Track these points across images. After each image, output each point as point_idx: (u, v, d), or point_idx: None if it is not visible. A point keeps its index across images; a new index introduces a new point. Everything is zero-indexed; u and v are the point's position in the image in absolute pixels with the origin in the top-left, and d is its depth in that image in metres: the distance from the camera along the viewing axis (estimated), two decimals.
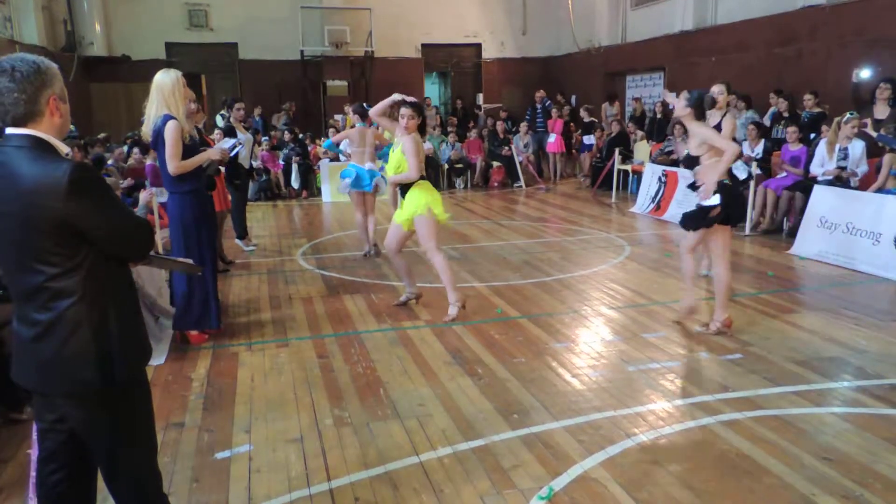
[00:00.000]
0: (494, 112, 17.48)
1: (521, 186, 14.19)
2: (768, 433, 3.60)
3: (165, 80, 4.70)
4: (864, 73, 8.90)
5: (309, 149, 13.91)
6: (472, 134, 15.01)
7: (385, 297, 6.25)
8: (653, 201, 10.63)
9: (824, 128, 8.62)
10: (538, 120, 15.71)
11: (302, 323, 5.65)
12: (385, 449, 3.53)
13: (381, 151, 8.63)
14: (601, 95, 16.39)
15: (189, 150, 4.84)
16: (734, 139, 5.95)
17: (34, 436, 2.55)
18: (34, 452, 2.55)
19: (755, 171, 8.82)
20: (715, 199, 4.97)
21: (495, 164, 14.52)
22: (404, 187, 5.60)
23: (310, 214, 11.71)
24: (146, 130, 4.80)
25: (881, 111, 8.25)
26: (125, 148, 11.38)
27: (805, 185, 8.30)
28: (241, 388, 4.35)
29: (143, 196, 6.18)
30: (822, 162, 8.22)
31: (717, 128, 6.00)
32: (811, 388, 4.17)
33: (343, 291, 6.55)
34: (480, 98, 19.72)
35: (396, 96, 5.74)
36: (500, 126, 15.13)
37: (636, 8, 16.54)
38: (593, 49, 17.50)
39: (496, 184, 14.36)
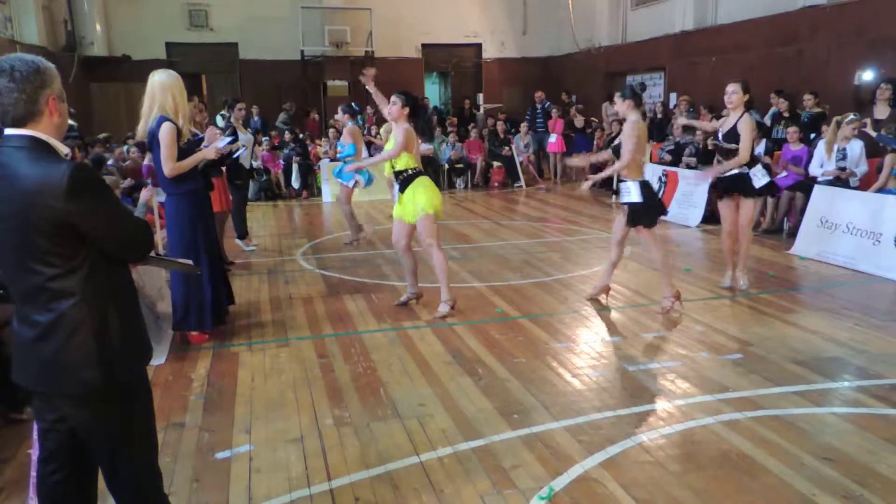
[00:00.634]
0: (494, 112, 17.47)
1: (521, 186, 14.19)
2: (768, 433, 3.60)
3: (164, 81, 4.69)
4: (867, 76, 8.87)
5: (309, 149, 13.91)
6: (473, 134, 15.01)
7: (385, 297, 6.25)
8: None
9: (824, 128, 8.62)
10: (538, 120, 15.71)
11: (302, 323, 5.65)
12: (385, 449, 3.53)
13: (345, 152, 8.81)
14: (601, 95, 16.39)
15: (186, 151, 4.83)
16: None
17: (34, 436, 2.56)
18: (34, 452, 2.56)
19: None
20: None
21: (496, 164, 14.51)
22: (404, 182, 5.57)
23: (310, 214, 11.71)
24: (142, 129, 4.78)
25: (881, 111, 8.25)
26: (125, 148, 11.40)
27: (806, 185, 8.30)
28: (242, 388, 4.35)
29: (143, 195, 6.17)
30: (821, 162, 8.22)
31: (734, 130, 5.95)
32: (811, 388, 4.17)
33: (343, 291, 6.55)
34: (481, 98, 19.72)
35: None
36: (500, 126, 15.13)
37: (636, 8, 16.54)
38: (593, 49, 17.49)
39: (496, 184, 14.35)
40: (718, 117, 10.98)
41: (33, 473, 2.59)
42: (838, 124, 8.03)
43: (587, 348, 4.97)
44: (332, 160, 12.75)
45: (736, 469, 3.27)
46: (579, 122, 15.26)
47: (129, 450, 2.27)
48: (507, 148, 14.57)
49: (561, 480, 3.19)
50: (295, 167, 13.33)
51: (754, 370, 4.45)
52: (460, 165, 14.34)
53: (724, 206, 6.35)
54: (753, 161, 6.14)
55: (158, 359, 4.78)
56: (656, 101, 14.96)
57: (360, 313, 5.86)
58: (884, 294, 6.22)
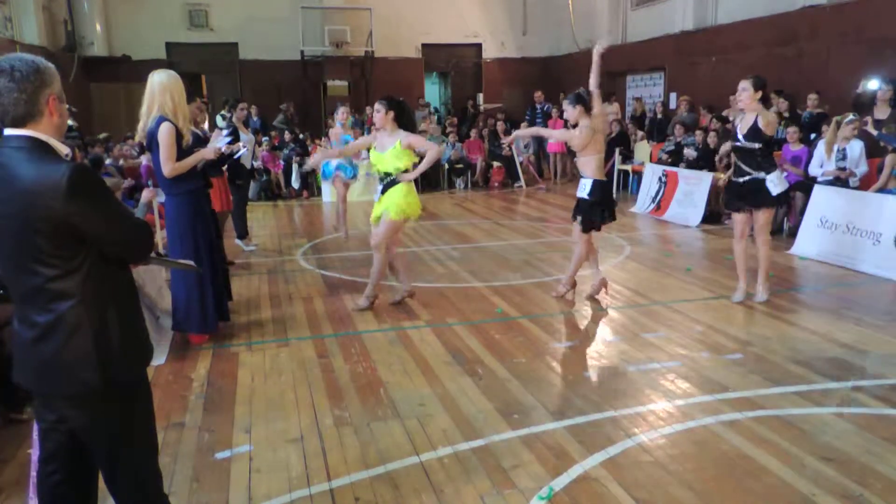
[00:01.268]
0: (493, 112, 17.48)
1: (521, 186, 14.19)
2: (769, 433, 3.60)
3: (164, 81, 4.68)
4: (872, 84, 8.75)
5: (309, 149, 13.90)
6: (473, 134, 15.01)
7: (385, 297, 6.25)
8: (653, 201, 10.63)
9: (825, 128, 8.62)
10: (538, 120, 15.70)
11: (302, 323, 5.65)
12: (385, 449, 3.53)
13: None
14: (601, 95, 16.37)
15: (188, 152, 4.83)
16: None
17: (34, 436, 2.56)
18: (35, 453, 2.56)
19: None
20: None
21: (495, 164, 14.51)
22: (387, 185, 5.64)
23: (310, 214, 11.71)
24: (142, 132, 4.78)
25: (882, 111, 8.26)
26: (121, 145, 11.40)
27: (806, 185, 8.30)
28: (242, 389, 4.35)
29: (144, 195, 6.18)
30: (821, 162, 8.22)
31: (755, 127, 5.60)
32: (812, 388, 4.17)
33: (343, 291, 6.55)
34: (481, 98, 19.72)
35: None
36: (500, 126, 15.12)
37: (636, 8, 16.54)
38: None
39: (496, 184, 14.35)
40: (719, 118, 11.05)
41: (33, 473, 2.59)
42: (838, 124, 8.03)
43: (587, 348, 4.97)
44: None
45: (736, 469, 3.27)
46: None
47: (128, 450, 2.27)
48: (506, 148, 14.56)
49: (561, 480, 3.19)
50: (295, 167, 13.33)
51: (754, 370, 4.45)
52: (460, 165, 14.35)
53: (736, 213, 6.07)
54: (772, 165, 5.77)
55: (158, 359, 4.78)
56: (656, 102, 14.96)
57: (360, 313, 5.85)
58: (884, 294, 6.22)
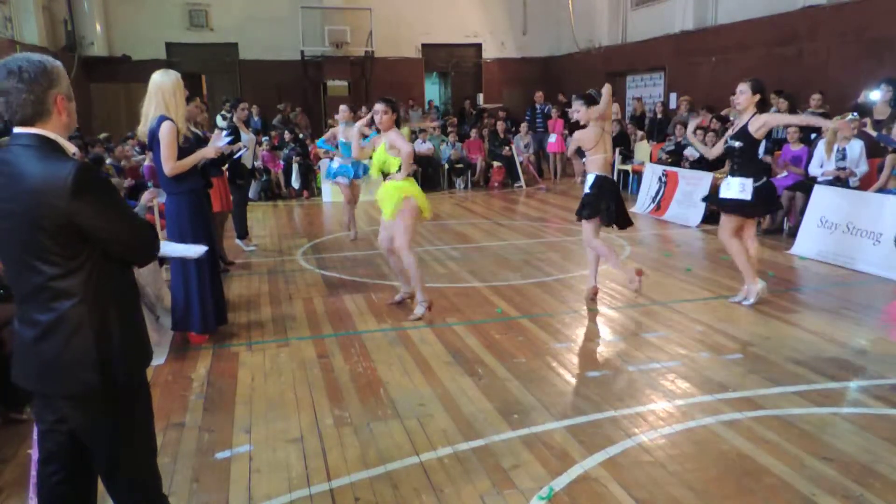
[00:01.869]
0: (494, 112, 17.48)
1: (521, 186, 14.19)
2: (769, 433, 3.60)
3: (165, 81, 4.69)
4: (874, 95, 8.69)
5: (309, 148, 13.91)
6: (473, 134, 15.02)
7: (385, 297, 6.25)
8: (653, 201, 10.63)
9: (825, 127, 8.61)
10: (538, 120, 15.71)
11: (302, 323, 5.66)
12: (385, 449, 3.53)
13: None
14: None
15: (186, 150, 4.84)
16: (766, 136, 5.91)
17: (34, 436, 2.56)
18: (34, 453, 2.56)
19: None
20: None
21: (496, 164, 14.51)
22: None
23: (310, 214, 11.71)
24: (143, 130, 4.80)
25: (881, 111, 8.25)
26: (124, 145, 11.40)
27: (806, 185, 8.30)
28: (242, 388, 4.35)
29: (145, 196, 6.18)
30: (821, 162, 8.22)
31: (744, 128, 5.59)
32: (811, 388, 4.17)
33: (343, 291, 6.55)
34: (481, 98, 19.72)
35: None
36: (500, 126, 15.13)
37: (636, 8, 16.55)
38: (593, 49, 17.50)
39: (496, 184, 14.35)
40: (719, 118, 11.06)
41: (33, 473, 2.59)
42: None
43: (587, 348, 4.98)
44: (331, 160, 12.74)
45: (736, 469, 3.27)
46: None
47: (128, 451, 2.27)
48: (507, 148, 14.58)
49: (561, 480, 3.19)
50: (295, 167, 13.33)
51: (754, 370, 4.45)
52: (460, 165, 14.35)
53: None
54: (752, 170, 5.63)
55: (158, 359, 4.78)
56: (656, 102, 14.97)
57: (360, 313, 5.86)
58: (884, 294, 6.22)
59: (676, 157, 11.32)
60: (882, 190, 7.51)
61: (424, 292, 5.69)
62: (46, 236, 2.02)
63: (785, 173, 8.87)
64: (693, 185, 9.88)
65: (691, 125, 8.09)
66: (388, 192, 5.55)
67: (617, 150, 12.54)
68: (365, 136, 8.52)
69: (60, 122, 2.12)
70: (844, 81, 10.38)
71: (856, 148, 8.01)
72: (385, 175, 5.63)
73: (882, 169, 7.76)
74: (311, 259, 8.04)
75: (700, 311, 5.71)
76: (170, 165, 4.71)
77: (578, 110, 5.75)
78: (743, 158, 5.67)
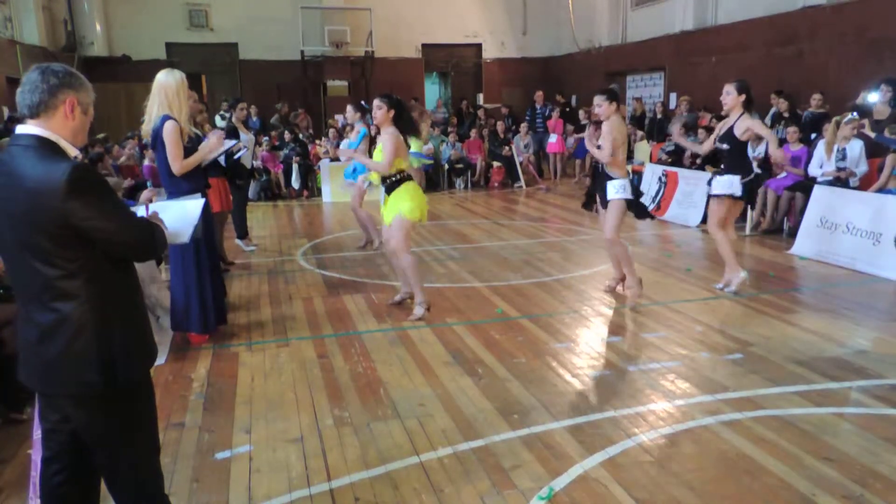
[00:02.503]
0: (495, 112, 17.48)
1: (521, 186, 14.19)
2: (769, 433, 3.60)
3: (170, 81, 4.70)
4: (872, 97, 8.70)
5: (309, 148, 13.91)
6: (473, 134, 15.02)
7: (385, 297, 6.25)
8: (653, 201, 10.63)
9: (826, 127, 8.61)
10: (538, 121, 15.71)
11: (302, 323, 5.66)
12: (385, 449, 3.53)
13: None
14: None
15: (189, 150, 4.84)
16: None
17: (35, 436, 2.56)
18: (35, 453, 2.56)
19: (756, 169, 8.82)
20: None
21: (496, 164, 14.52)
22: (390, 186, 5.53)
23: (310, 214, 11.71)
24: (146, 129, 4.80)
25: (881, 112, 8.25)
26: (126, 144, 11.40)
27: (805, 185, 8.30)
28: (242, 388, 4.35)
29: (144, 195, 6.17)
30: (821, 163, 8.22)
31: (730, 130, 5.93)
32: (812, 388, 4.17)
33: (343, 291, 6.55)
34: (481, 98, 19.72)
35: None
36: (500, 126, 15.13)
37: (636, 8, 16.55)
38: (593, 49, 17.50)
39: (496, 184, 14.35)
40: (719, 118, 11.05)
41: (33, 474, 2.59)
42: (837, 124, 8.02)
43: (587, 348, 4.98)
44: (331, 160, 12.76)
45: (736, 469, 3.27)
46: (583, 118, 15.13)
47: (130, 451, 2.28)
48: (507, 148, 14.58)
49: (561, 480, 3.19)
50: (295, 167, 13.33)
51: (754, 370, 4.45)
52: (460, 165, 14.35)
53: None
54: (741, 168, 5.97)
55: (159, 359, 4.75)
56: (656, 102, 14.97)
57: (360, 313, 5.86)
58: (884, 294, 6.22)
59: (676, 157, 11.32)
60: (882, 190, 7.51)
61: (423, 293, 5.69)
62: (45, 237, 2.02)
63: (784, 173, 8.86)
64: (693, 186, 9.88)
65: (676, 126, 8.12)
66: (389, 204, 5.55)
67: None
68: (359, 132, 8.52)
69: (66, 125, 2.13)
70: (845, 82, 10.39)
71: (856, 148, 8.01)
72: (384, 179, 5.58)
73: (882, 169, 7.76)
74: (311, 259, 8.04)
75: (700, 312, 5.71)
76: (178, 165, 4.71)
77: (601, 105, 5.73)
78: (731, 158, 6.02)
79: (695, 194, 9.78)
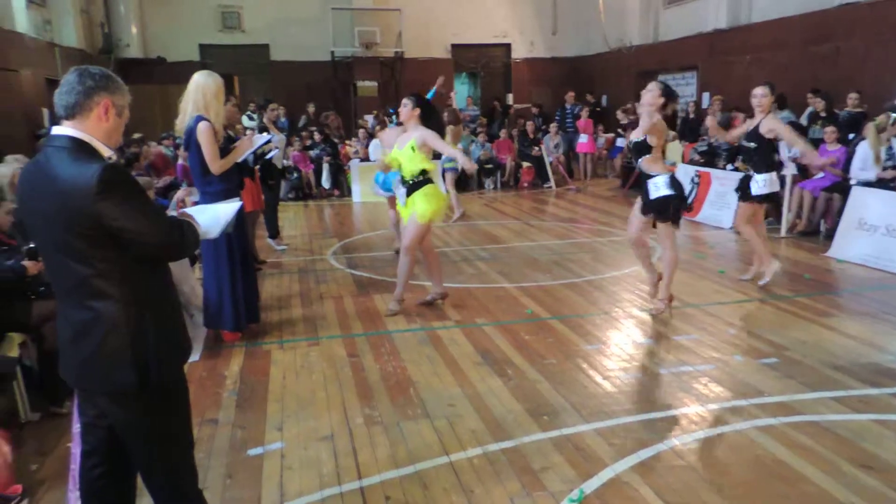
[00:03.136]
0: (525, 112, 17.40)
1: (550, 187, 14.12)
2: (805, 439, 3.53)
3: (209, 83, 4.77)
4: None
5: (339, 148, 14.00)
6: (502, 134, 14.98)
7: (415, 297, 6.26)
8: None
9: (865, 126, 8.41)
10: (567, 121, 15.60)
11: (332, 322, 5.70)
12: (415, 448, 3.54)
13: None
14: (632, 95, 16.22)
15: (221, 151, 4.90)
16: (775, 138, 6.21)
17: (74, 429, 2.62)
18: (75, 446, 2.61)
19: (793, 171, 8.68)
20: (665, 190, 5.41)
21: (525, 164, 14.46)
22: (412, 187, 5.59)
23: (341, 214, 11.79)
24: (180, 126, 4.87)
25: None
26: (163, 142, 11.60)
27: (843, 187, 8.12)
28: (273, 386, 4.40)
29: (177, 195, 6.28)
30: (864, 164, 8.03)
31: (756, 129, 6.07)
32: (850, 393, 4.07)
33: (373, 290, 6.58)
34: (510, 98, 19.65)
35: None
36: (529, 126, 15.07)
37: (669, 6, 16.35)
38: (624, 48, 17.33)
39: (526, 184, 14.30)
40: (752, 117, 10.87)
41: (73, 466, 2.65)
42: (878, 129, 7.83)
43: (618, 350, 4.93)
44: (362, 160, 12.83)
45: (771, 475, 3.22)
46: (622, 119, 14.94)
47: (165, 447, 2.31)
48: (536, 148, 14.51)
49: (591, 483, 3.17)
50: (325, 167, 13.43)
51: (790, 374, 4.37)
52: (490, 166, 14.32)
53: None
54: (767, 167, 6.13)
55: (193, 356, 4.84)
56: (689, 101, 14.76)
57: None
58: None
59: (709, 158, 11.15)
60: None
61: (403, 292, 5.86)
62: (78, 237, 2.06)
63: (822, 174, 8.68)
64: (726, 186, 9.72)
65: (711, 119, 7.80)
66: (409, 204, 5.62)
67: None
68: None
69: (100, 126, 2.16)
70: (882, 80, 10.13)
71: None
72: (404, 181, 5.64)
73: None
74: (341, 258, 8.09)
75: (733, 314, 5.62)
76: (216, 165, 4.78)
77: (653, 90, 5.24)
78: (758, 157, 6.13)
79: (728, 195, 9.62)
